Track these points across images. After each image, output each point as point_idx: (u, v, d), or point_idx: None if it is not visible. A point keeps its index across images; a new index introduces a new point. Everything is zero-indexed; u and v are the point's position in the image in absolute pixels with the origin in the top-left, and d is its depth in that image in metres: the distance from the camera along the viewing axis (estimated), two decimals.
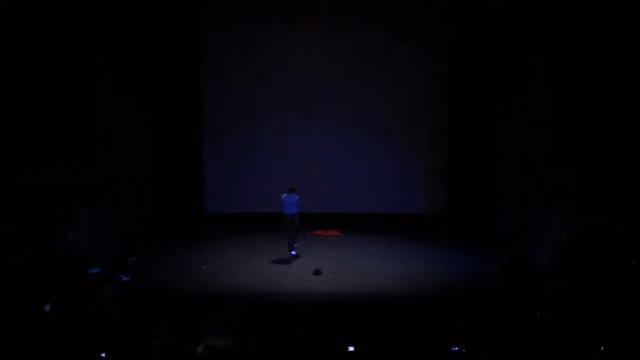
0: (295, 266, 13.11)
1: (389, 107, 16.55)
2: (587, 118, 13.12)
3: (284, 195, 13.57)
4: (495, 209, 15.34)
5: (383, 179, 16.70)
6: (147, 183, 15.26)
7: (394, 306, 10.80)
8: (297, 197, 13.56)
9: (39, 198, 13.22)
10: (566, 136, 13.33)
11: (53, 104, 13.70)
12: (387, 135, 16.62)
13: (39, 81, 13.53)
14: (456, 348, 8.25)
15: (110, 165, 14.26)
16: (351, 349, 8.26)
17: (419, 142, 16.62)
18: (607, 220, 12.50)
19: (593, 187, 12.92)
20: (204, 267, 13.05)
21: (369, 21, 16.43)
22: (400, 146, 16.65)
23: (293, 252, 13.66)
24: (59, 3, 13.37)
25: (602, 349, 8.06)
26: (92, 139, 14.00)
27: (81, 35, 13.68)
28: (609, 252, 11.84)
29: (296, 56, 16.58)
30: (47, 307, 9.56)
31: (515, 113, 14.60)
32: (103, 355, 7.98)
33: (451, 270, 12.83)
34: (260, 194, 16.15)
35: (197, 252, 14.21)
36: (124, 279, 12.01)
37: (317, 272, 12.49)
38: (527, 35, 14.01)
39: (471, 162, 15.96)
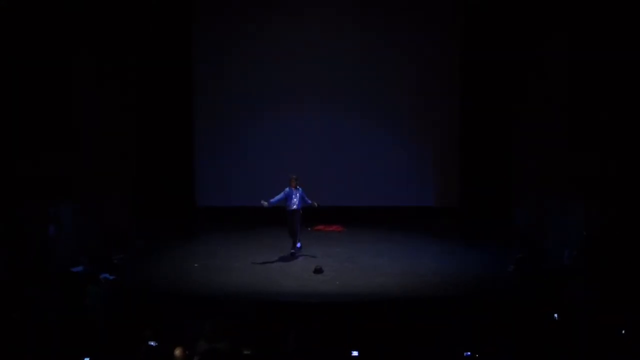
0: (295, 264, 13.10)
1: (397, 94, 16.50)
2: (611, 100, 13.05)
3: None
4: (511, 202, 15.32)
5: (390, 169, 16.65)
6: (133, 174, 15.25)
7: (401, 307, 10.80)
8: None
9: (16, 191, 13.20)
10: (589, 120, 13.27)
11: (31, 91, 13.68)
12: (395, 123, 16.59)
13: (17, 68, 13.49)
14: (468, 353, 8.23)
15: (93, 156, 14.25)
16: (355, 353, 8.24)
17: (429, 131, 16.57)
18: (635, 213, 12.45)
19: (619, 176, 12.86)
20: (196, 265, 13.05)
21: (373, 3, 16.37)
22: (408, 135, 16.61)
23: (299, 245, 13.66)
24: None
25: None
26: (73, 128, 13.98)
27: (62, 20, 13.66)
28: (636, 248, 11.80)
29: (296, 42, 16.50)
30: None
31: (532, 97, 14.57)
32: None
33: (463, 268, 12.82)
34: (256, 185, 16.09)
35: (187, 248, 14.22)
36: (109, 277, 11.98)
37: (318, 271, 12.48)
38: (544, 16, 13.97)
39: (485, 151, 15.95)
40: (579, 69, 13.42)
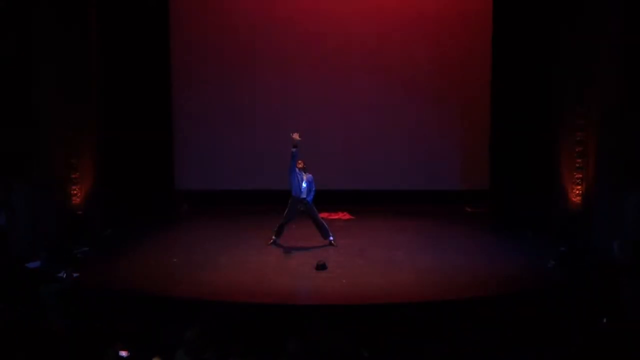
0: (293, 259, 13.14)
1: (419, 59, 16.59)
2: None
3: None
4: (551, 185, 15.27)
5: (407, 147, 16.70)
6: (100, 152, 15.24)
7: (420, 311, 10.79)
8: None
9: None
10: None
11: None
12: (414, 93, 16.64)
13: None
14: None
15: (52, 129, 14.18)
16: None
17: (455, 102, 16.64)
18: None
19: None
20: (174, 259, 13.07)
21: None
22: (431, 105, 16.72)
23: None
24: None
25: None
26: (28, 95, 13.90)
27: None
28: None
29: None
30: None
31: (574, 60, 14.43)
32: None
33: (494, 263, 12.84)
34: (244, 166, 16.15)
35: (164, 240, 14.30)
36: (71, 275, 11.95)
37: (321, 267, 12.49)
38: None
39: (520, 125, 15.96)
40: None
